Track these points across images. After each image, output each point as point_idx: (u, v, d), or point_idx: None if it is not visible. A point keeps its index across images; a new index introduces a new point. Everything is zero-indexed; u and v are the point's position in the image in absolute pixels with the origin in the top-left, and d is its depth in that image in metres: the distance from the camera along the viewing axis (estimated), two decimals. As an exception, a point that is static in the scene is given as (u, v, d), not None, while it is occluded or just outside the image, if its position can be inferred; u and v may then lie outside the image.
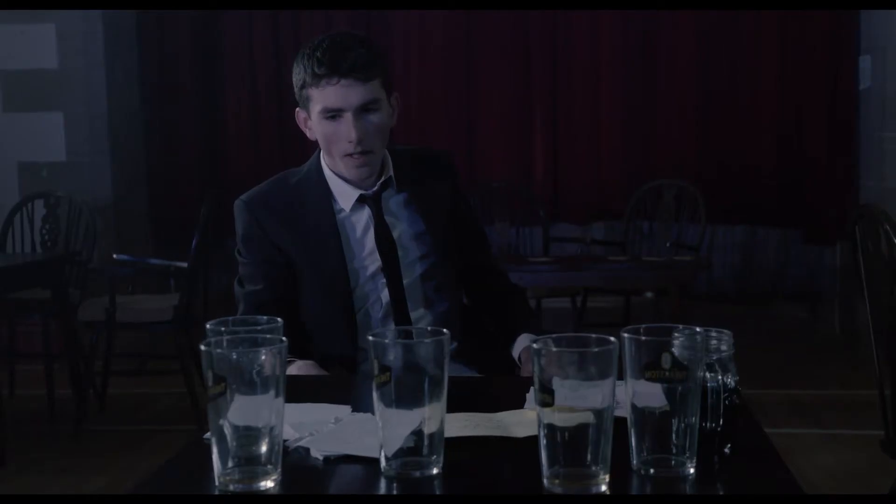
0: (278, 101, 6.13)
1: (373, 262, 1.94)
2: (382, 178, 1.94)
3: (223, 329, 1.30)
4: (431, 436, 1.13)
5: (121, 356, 4.43)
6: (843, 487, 3.26)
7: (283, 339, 1.15)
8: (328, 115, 1.82)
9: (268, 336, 1.19)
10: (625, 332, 1.12)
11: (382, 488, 1.12)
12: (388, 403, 1.12)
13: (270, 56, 6.29)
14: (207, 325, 1.30)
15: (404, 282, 1.95)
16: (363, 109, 1.82)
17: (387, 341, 1.14)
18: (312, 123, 1.88)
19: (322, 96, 1.81)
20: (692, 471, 1.12)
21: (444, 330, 1.15)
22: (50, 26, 5.41)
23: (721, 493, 1.12)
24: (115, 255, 4.64)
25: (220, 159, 6.41)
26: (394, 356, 1.12)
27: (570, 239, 5.86)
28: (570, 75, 6.29)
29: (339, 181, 1.93)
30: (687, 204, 5.39)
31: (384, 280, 1.93)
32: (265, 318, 1.35)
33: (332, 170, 1.93)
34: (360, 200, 1.93)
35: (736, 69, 6.12)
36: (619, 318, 5.09)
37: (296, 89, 1.87)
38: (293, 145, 6.10)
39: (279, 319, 1.34)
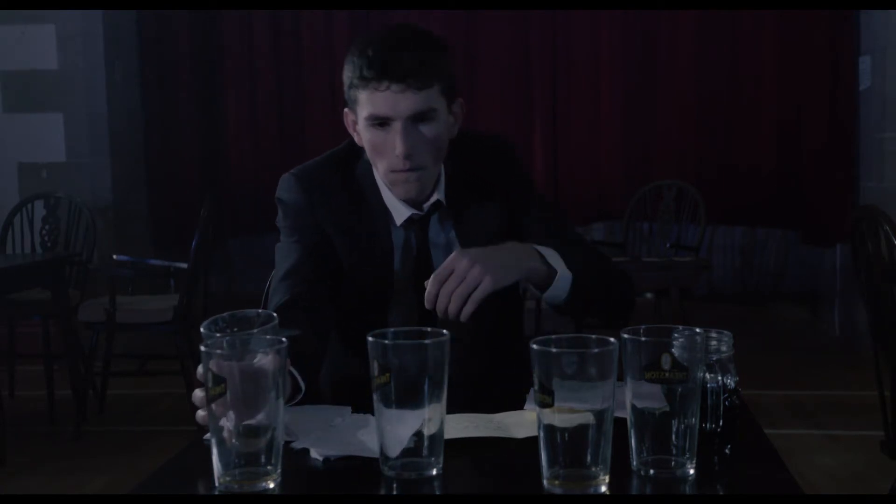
0: (278, 100, 6.10)
1: (408, 294, 1.70)
2: (432, 200, 1.70)
3: (216, 329, 1.23)
4: (431, 437, 1.13)
5: (121, 357, 4.43)
6: (842, 488, 3.26)
7: (283, 339, 1.14)
8: (375, 122, 1.60)
9: (267, 337, 1.19)
10: (625, 332, 1.12)
11: (382, 489, 1.12)
12: (387, 404, 1.12)
13: (270, 56, 6.28)
14: (202, 328, 1.22)
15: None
16: (415, 119, 1.59)
17: (386, 342, 1.13)
18: (360, 128, 1.65)
19: (369, 101, 1.58)
20: (692, 472, 1.12)
21: (444, 331, 1.14)
22: (50, 26, 5.41)
23: (721, 493, 1.12)
24: (115, 256, 4.64)
25: (220, 159, 6.41)
26: (394, 357, 1.11)
27: (570, 239, 5.84)
28: (570, 75, 6.29)
29: (390, 193, 1.70)
30: (687, 204, 5.39)
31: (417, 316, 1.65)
32: (255, 312, 1.27)
33: (382, 180, 1.71)
34: (409, 221, 1.71)
35: (736, 69, 6.12)
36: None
37: (344, 88, 1.64)
38: (293, 145, 6.13)
39: (275, 315, 1.26)
